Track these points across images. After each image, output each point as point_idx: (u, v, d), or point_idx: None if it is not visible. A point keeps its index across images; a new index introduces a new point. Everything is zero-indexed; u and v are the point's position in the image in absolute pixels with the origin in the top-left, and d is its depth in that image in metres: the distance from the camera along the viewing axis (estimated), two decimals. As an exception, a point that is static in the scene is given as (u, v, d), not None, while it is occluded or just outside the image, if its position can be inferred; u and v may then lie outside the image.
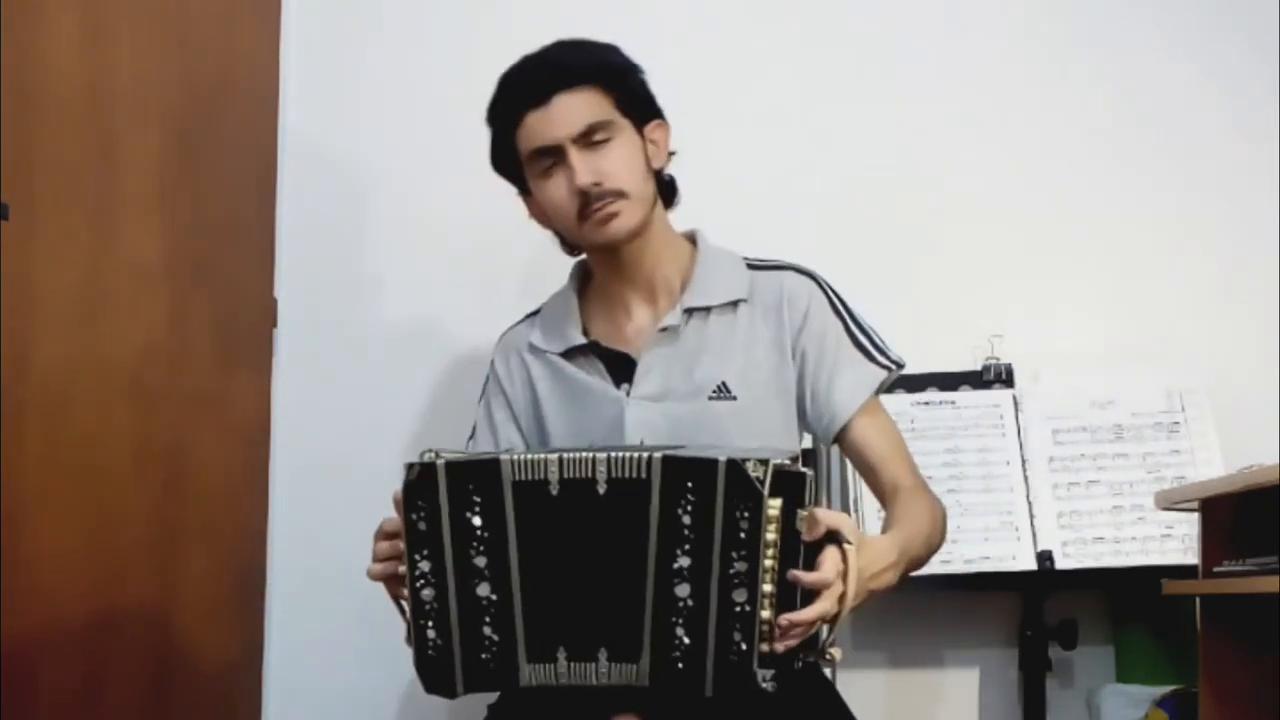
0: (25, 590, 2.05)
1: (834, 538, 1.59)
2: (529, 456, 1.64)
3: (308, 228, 2.66)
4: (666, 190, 1.98)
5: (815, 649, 1.62)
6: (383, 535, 1.71)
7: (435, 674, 1.65)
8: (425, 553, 1.64)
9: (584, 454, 1.63)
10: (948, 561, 2.26)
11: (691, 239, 2.01)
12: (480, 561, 1.63)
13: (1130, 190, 2.62)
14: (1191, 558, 2.14)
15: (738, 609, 1.55)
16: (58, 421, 2.16)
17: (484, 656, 1.64)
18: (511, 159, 1.92)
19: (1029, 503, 2.40)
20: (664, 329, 1.92)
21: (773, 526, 1.55)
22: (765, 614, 1.55)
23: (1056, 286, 2.60)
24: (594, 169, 1.86)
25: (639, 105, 1.92)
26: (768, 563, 1.55)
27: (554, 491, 1.63)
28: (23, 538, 2.06)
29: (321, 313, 2.65)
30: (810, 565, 1.57)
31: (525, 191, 1.96)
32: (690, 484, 1.58)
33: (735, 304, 1.93)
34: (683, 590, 1.58)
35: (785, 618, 1.55)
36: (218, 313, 2.49)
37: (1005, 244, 2.61)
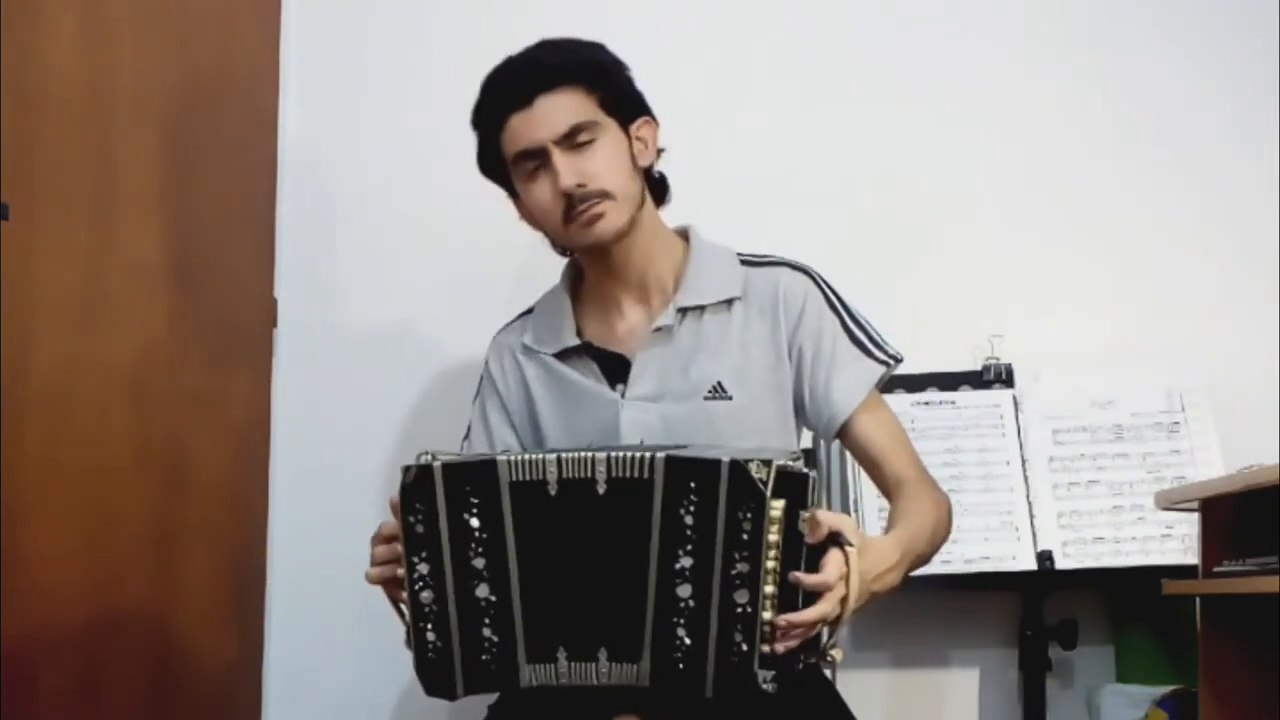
0: (25, 590, 2.05)
1: (836, 539, 1.58)
2: (526, 457, 1.64)
3: (308, 228, 2.66)
4: (657, 188, 1.96)
5: (816, 650, 1.62)
6: (380, 539, 1.71)
7: (435, 676, 1.65)
8: (423, 555, 1.63)
9: (583, 454, 1.63)
10: (948, 561, 2.26)
11: (684, 235, 2.00)
12: (479, 563, 1.63)
13: (1130, 190, 2.62)
14: (1191, 558, 2.14)
15: (739, 610, 1.55)
16: (58, 421, 2.16)
17: (484, 658, 1.64)
18: (497, 162, 1.91)
19: (1029, 503, 2.40)
20: (658, 329, 1.91)
21: (775, 528, 1.55)
22: (767, 615, 1.55)
23: (1056, 286, 2.60)
24: (578, 170, 1.85)
25: (624, 103, 1.90)
26: (769, 564, 1.55)
27: (553, 491, 1.63)
28: (23, 538, 2.06)
29: (321, 313, 2.65)
30: (812, 567, 1.57)
31: (514, 194, 1.95)
32: (693, 484, 1.57)
33: (729, 302, 1.92)
34: (684, 591, 1.58)
35: (786, 619, 1.55)
36: (218, 313, 2.49)
37: (1005, 244, 2.61)
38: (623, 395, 1.91)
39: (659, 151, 1.95)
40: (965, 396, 2.48)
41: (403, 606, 1.67)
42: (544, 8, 2.57)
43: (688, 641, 1.58)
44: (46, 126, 2.16)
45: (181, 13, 2.46)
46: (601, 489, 1.62)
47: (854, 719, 1.86)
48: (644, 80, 1.94)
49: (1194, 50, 2.63)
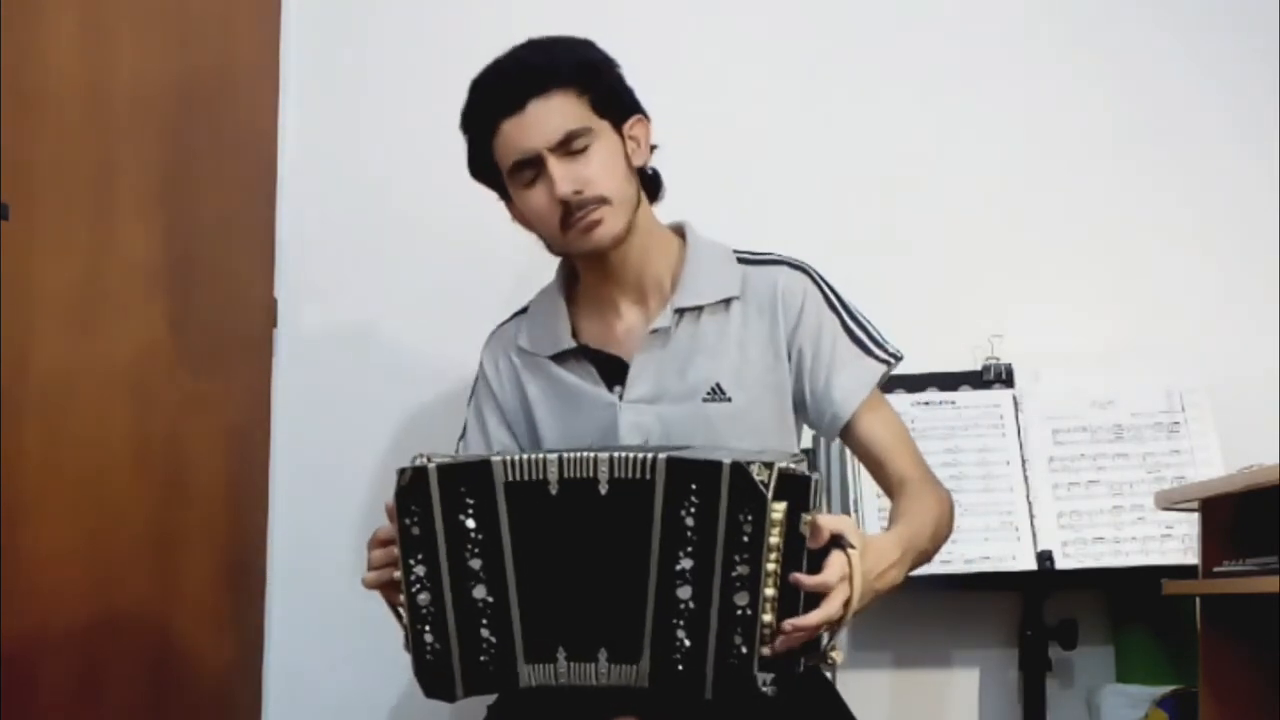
0: (25, 590, 2.05)
1: (837, 542, 1.58)
2: (523, 457, 1.64)
3: (308, 228, 2.66)
4: (650, 184, 1.94)
5: (817, 652, 1.62)
6: (377, 543, 1.70)
7: (434, 678, 1.65)
8: (420, 557, 1.63)
9: (585, 454, 1.62)
10: (948, 561, 2.26)
11: (680, 232, 1.98)
12: (475, 564, 1.63)
13: (1130, 190, 2.62)
14: (1191, 558, 2.14)
15: (739, 612, 1.55)
16: (58, 421, 2.16)
17: (482, 659, 1.64)
18: (490, 166, 1.89)
19: (1029, 503, 2.40)
20: (654, 331, 1.90)
21: (776, 530, 1.54)
22: (767, 618, 1.55)
23: (1056, 286, 2.60)
24: (574, 177, 1.83)
25: (616, 103, 1.88)
26: (770, 566, 1.54)
27: (553, 491, 1.63)
28: (23, 538, 2.06)
29: (321, 313, 2.65)
30: (814, 569, 1.57)
31: (506, 197, 1.93)
32: (694, 486, 1.57)
33: (727, 302, 1.91)
34: (684, 592, 1.58)
35: (789, 622, 1.55)
36: (218, 313, 2.49)
37: (1005, 244, 2.61)
38: (620, 397, 1.90)
39: (652, 148, 1.93)
40: (965, 396, 2.48)
41: (400, 610, 1.67)
42: (543, 7, 2.57)
43: (687, 643, 1.58)
44: (46, 126, 2.16)
45: (181, 13, 2.46)
46: (604, 489, 1.61)
47: (854, 719, 1.86)
48: (641, 78, 1.93)
49: (1194, 50, 2.63)
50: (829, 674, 1.86)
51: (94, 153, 2.25)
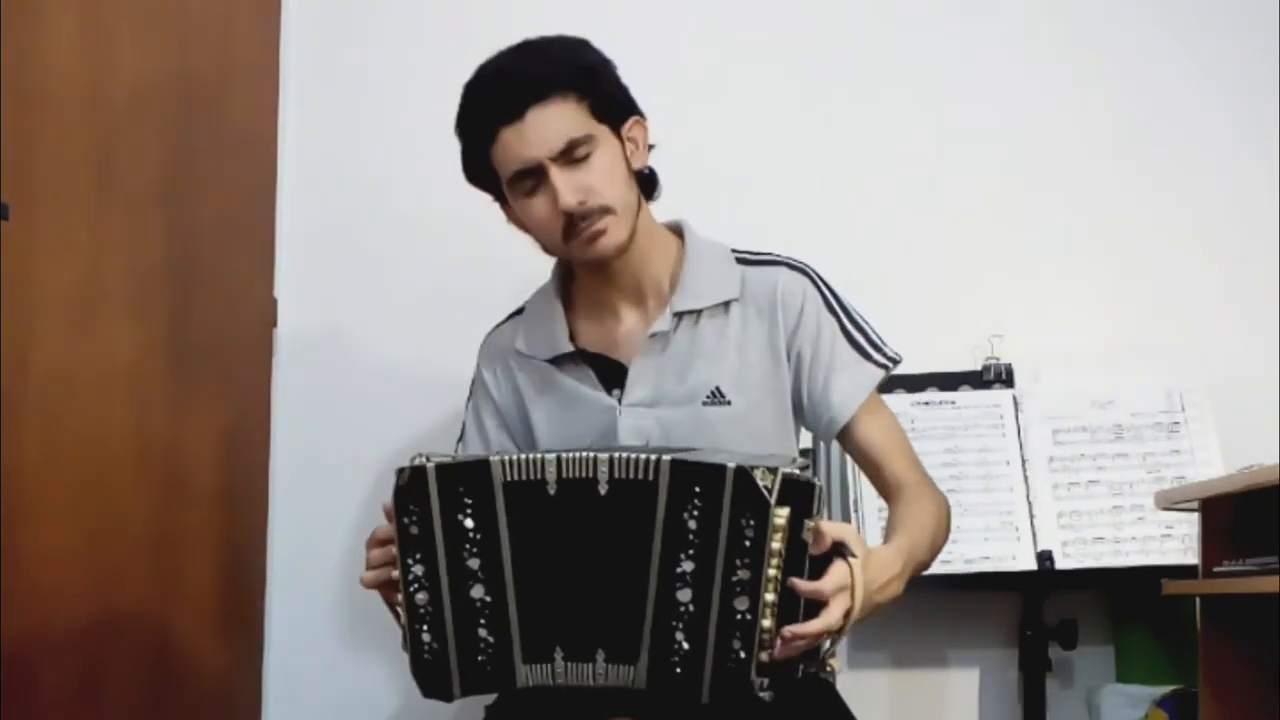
0: (25, 590, 2.04)
1: (840, 550, 1.58)
2: (522, 457, 1.63)
3: (308, 228, 2.66)
4: (647, 184, 1.92)
5: (815, 659, 1.61)
6: (375, 542, 1.70)
7: (431, 678, 1.65)
8: (418, 556, 1.63)
9: (584, 454, 1.62)
10: (948, 561, 2.26)
11: (678, 232, 1.96)
12: (474, 563, 1.63)
13: (1130, 190, 2.62)
14: (1191, 558, 2.14)
15: (739, 617, 1.55)
16: (58, 422, 2.15)
17: (480, 659, 1.63)
18: (487, 173, 1.87)
19: (1029, 503, 2.40)
20: (654, 335, 1.89)
21: (778, 536, 1.54)
22: (766, 623, 1.55)
23: (1056, 286, 2.60)
24: (577, 186, 1.81)
25: (615, 106, 1.86)
26: (771, 572, 1.54)
27: (551, 491, 1.62)
28: (23, 538, 2.06)
29: (321, 313, 2.65)
30: (815, 576, 1.57)
31: (501, 199, 1.91)
32: (697, 488, 1.57)
33: (727, 304, 1.90)
34: (684, 595, 1.57)
35: (789, 630, 1.55)
36: (218, 313, 2.49)
37: (1005, 244, 2.61)
38: (620, 401, 1.89)
39: (650, 148, 1.91)
40: (965, 396, 2.48)
41: (398, 609, 1.67)
42: (543, 6, 2.57)
43: (686, 646, 1.57)
44: (46, 126, 2.16)
45: (181, 13, 2.46)
46: (604, 489, 1.61)
47: (853, 719, 1.86)
48: (641, 77, 1.92)
49: (1194, 50, 2.63)
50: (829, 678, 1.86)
51: (94, 153, 2.25)
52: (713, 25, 2.68)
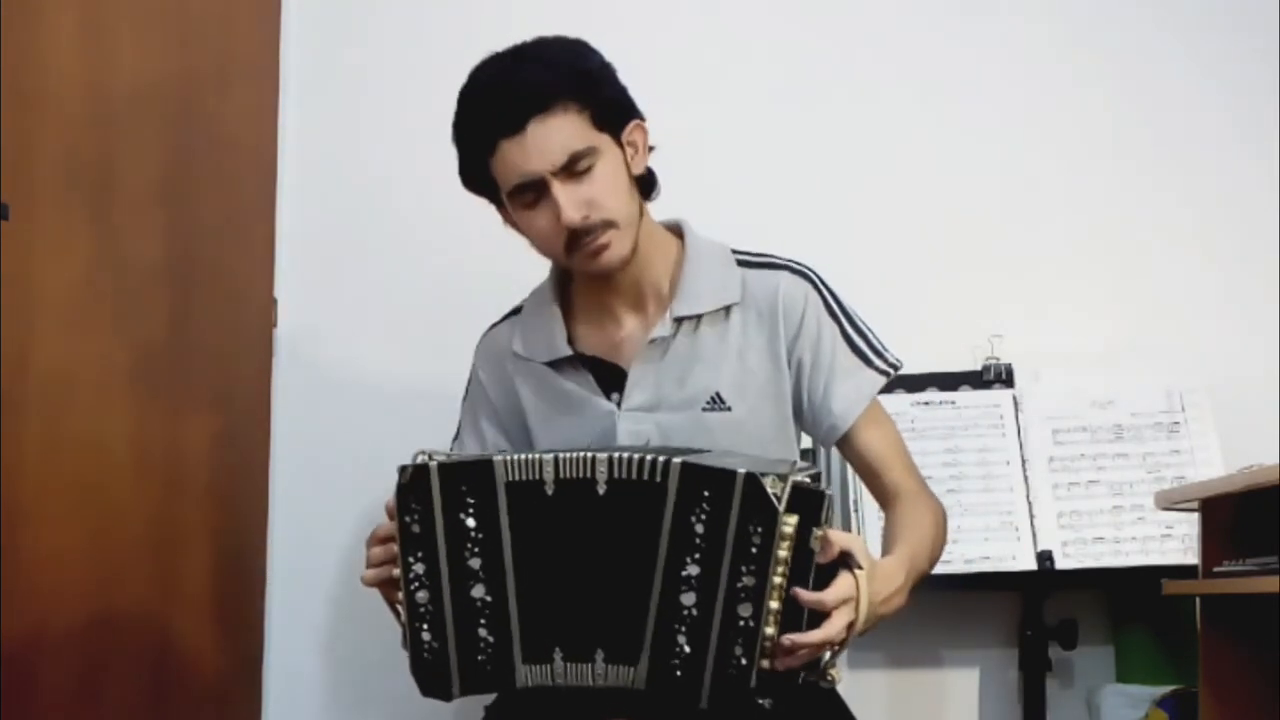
0: (25, 590, 2.05)
1: (846, 561, 1.58)
2: (523, 456, 1.63)
3: (308, 228, 2.66)
4: (646, 185, 1.89)
5: (816, 669, 1.60)
6: (376, 540, 1.70)
7: (431, 677, 1.65)
8: (419, 555, 1.63)
9: (582, 454, 1.62)
10: (948, 561, 2.25)
11: (677, 232, 1.95)
12: (475, 563, 1.62)
13: (1130, 190, 2.62)
14: (1191, 558, 2.14)
15: (742, 623, 1.55)
16: (58, 422, 2.16)
17: (479, 658, 1.63)
18: (486, 181, 1.84)
19: (1029, 503, 2.40)
20: (653, 340, 1.87)
21: (785, 544, 1.54)
22: (769, 630, 1.55)
23: (1056, 286, 2.60)
24: (579, 200, 1.77)
25: (615, 113, 1.82)
26: (777, 580, 1.54)
27: (549, 491, 1.62)
28: (23, 538, 2.06)
29: (321, 313, 2.65)
30: (820, 586, 1.57)
31: (498, 204, 1.88)
32: (706, 493, 1.56)
33: (727, 309, 1.88)
34: (688, 599, 1.57)
35: (790, 638, 1.55)
36: (218, 313, 2.49)
37: (1005, 244, 2.61)
38: (619, 405, 1.88)
39: (650, 149, 1.88)
40: (965, 396, 2.49)
41: (399, 607, 1.66)
42: (543, 6, 2.57)
43: (687, 650, 1.57)
44: (46, 126, 2.16)
45: (181, 12, 2.46)
46: (602, 489, 1.61)
47: (848, 712, 1.86)
48: (641, 78, 1.90)
49: (1194, 50, 2.64)
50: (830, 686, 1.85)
51: (94, 153, 2.25)
52: (712, 24, 2.68)
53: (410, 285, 2.64)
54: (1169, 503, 2.18)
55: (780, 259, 1.93)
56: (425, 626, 1.64)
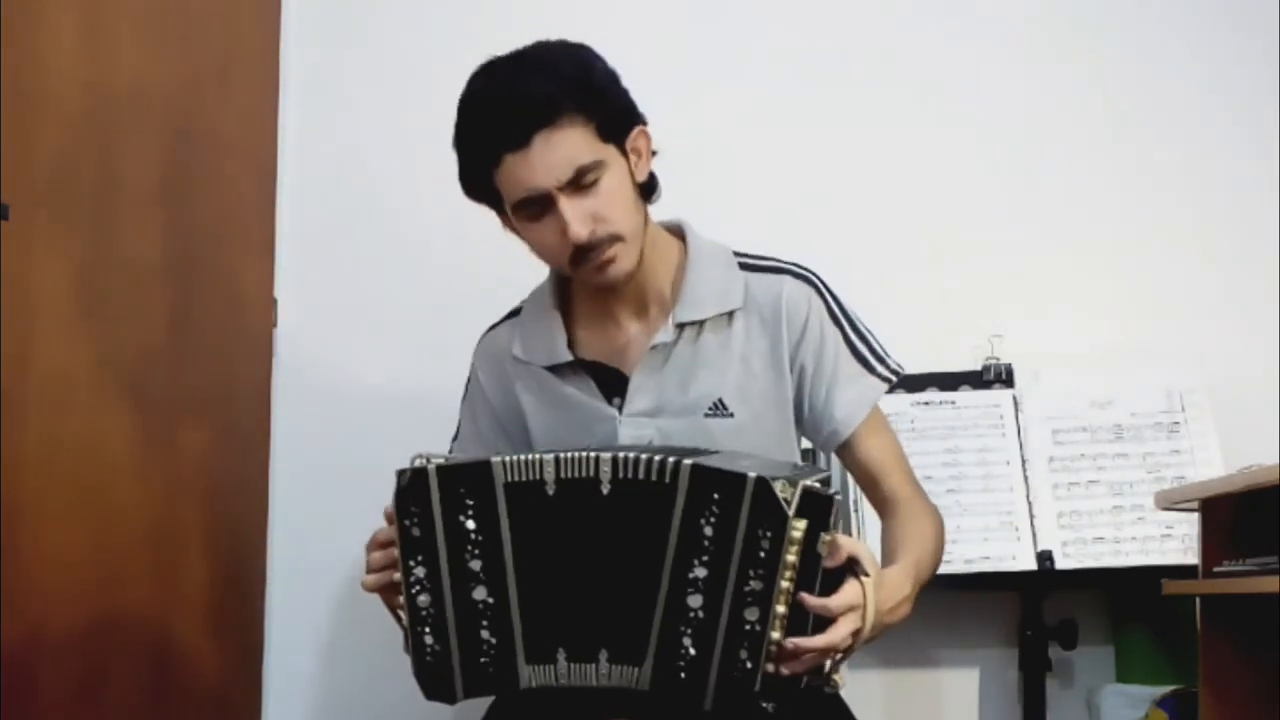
0: (25, 590, 2.04)
1: (853, 568, 1.58)
2: (522, 457, 1.63)
3: (308, 228, 2.66)
4: (647, 188, 1.87)
5: (820, 674, 1.61)
6: (376, 545, 1.69)
7: (434, 680, 1.65)
8: (420, 558, 1.63)
9: (584, 454, 1.61)
10: (948, 561, 2.24)
11: (678, 233, 1.93)
12: (475, 565, 1.62)
13: (1130, 190, 2.62)
14: (1191, 558, 2.14)
15: (748, 627, 1.55)
16: (58, 421, 2.15)
17: (482, 660, 1.63)
18: (489, 192, 1.82)
19: (1029, 503, 2.40)
20: (656, 346, 1.86)
21: (794, 549, 1.54)
22: (775, 634, 1.55)
23: (1056, 286, 2.60)
24: (586, 214, 1.75)
25: (619, 122, 1.80)
26: (784, 584, 1.54)
27: (550, 492, 1.62)
28: (23, 538, 2.06)
29: (321, 313, 2.65)
30: (826, 590, 1.57)
31: (499, 210, 1.86)
32: (716, 495, 1.56)
33: (730, 314, 1.87)
34: (695, 601, 1.57)
35: (794, 643, 1.55)
36: (218, 313, 2.49)
37: (1005, 244, 2.61)
38: (620, 410, 1.87)
39: (654, 154, 1.86)
40: (965, 396, 2.49)
41: (400, 613, 1.66)
42: (544, 6, 2.58)
43: (692, 652, 1.57)
44: (46, 126, 2.16)
45: (182, 12, 2.45)
46: (606, 489, 1.61)
47: (850, 715, 1.86)
48: (643, 81, 1.88)
49: (1194, 50, 2.64)
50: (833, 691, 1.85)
51: (94, 153, 2.25)
52: (712, 25, 2.68)
53: (411, 285, 2.64)
54: (1169, 503, 2.18)
55: (783, 262, 1.91)
56: (427, 630, 1.63)
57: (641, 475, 1.59)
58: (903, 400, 2.42)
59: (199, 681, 2.39)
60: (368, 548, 1.71)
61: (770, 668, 1.55)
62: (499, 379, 1.97)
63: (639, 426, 1.86)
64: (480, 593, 1.63)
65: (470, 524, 1.62)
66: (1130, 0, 2.66)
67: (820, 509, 1.55)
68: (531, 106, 1.73)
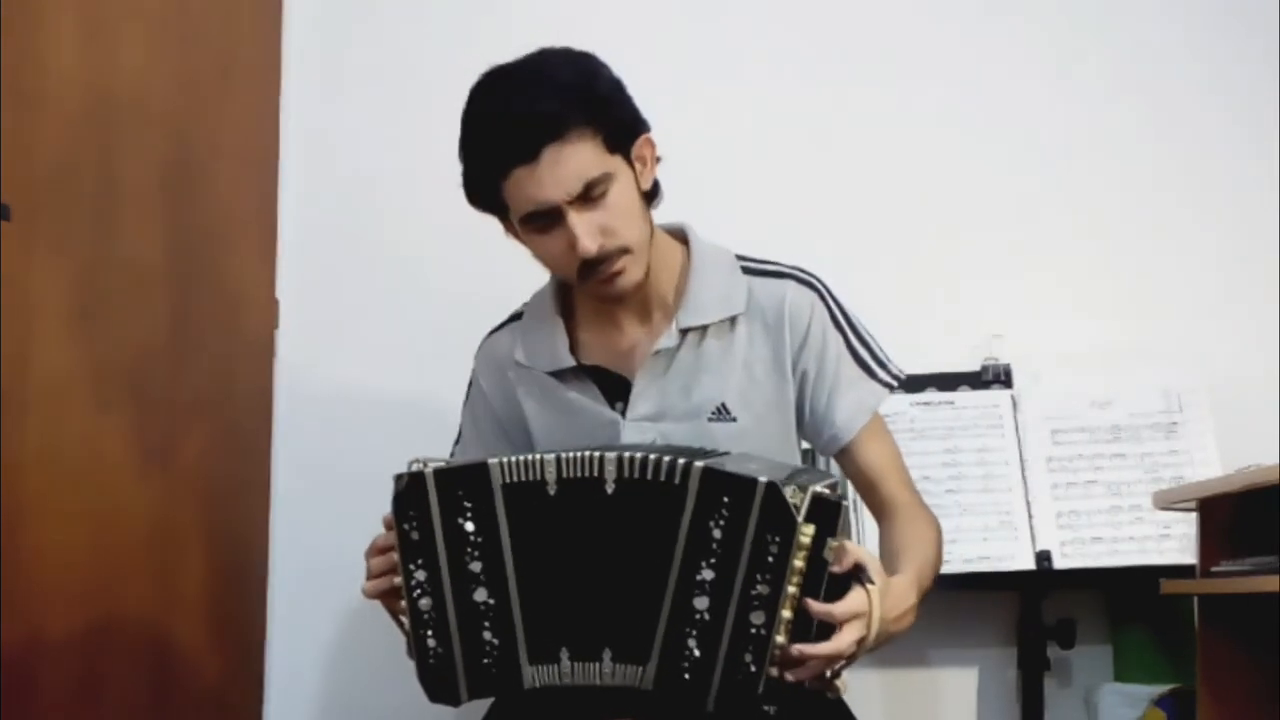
0: (25, 591, 2.05)
1: (859, 574, 1.58)
2: (521, 458, 1.63)
3: (308, 228, 2.66)
4: (649, 194, 1.85)
5: (822, 680, 1.61)
6: (375, 551, 1.69)
7: (438, 682, 1.65)
8: (420, 562, 1.63)
9: (586, 453, 1.61)
10: (947, 561, 2.24)
11: (681, 237, 1.93)
12: (475, 567, 1.62)
13: (1130, 190, 2.62)
14: (1189, 557, 2.14)
15: (753, 631, 1.55)
16: (58, 422, 2.16)
17: (485, 661, 1.63)
18: (495, 202, 1.80)
19: (1027, 503, 2.40)
20: (659, 351, 1.86)
21: (802, 554, 1.54)
22: (780, 639, 1.55)
23: (1056, 286, 2.60)
24: (595, 228, 1.74)
25: (625, 132, 1.79)
26: (791, 589, 1.54)
27: (551, 492, 1.62)
28: (23, 538, 2.06)
29: (321, 314, 2.65)
30: (832, 597, 1.57)
31: (503, 218, 1.84)
32: (726, 499, 1.56)
33: (733, 319, 1.87)
34: (701, 603, 1.57)
35: (799, 648, 1.55)
36: (218, 313, 2.49)
37: (1005, 244, 2.61)
38: (623, 415, 1.87)
39: (658, 160, 1.85)
40: (964, 397, 2.49)
41: (402, 618, 1.66)
42: (544, 7, 2.58)
43: (697, 653, 1.57)
44: (46, 126, 2.16)
45: (182, 12, 2.46)
46: (610, 489, 1.61)
47: (853, 718, 1.86)
48: (644, 84, 1.88)
49: (1195, 50, 2.64)
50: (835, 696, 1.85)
51: (94, 153, 2.25)
52: (712, 25, 2.68)
53: (412, 286, 2.64)
54: (1167, 503, 2.18)
55: (786, 267, 1.91)
56: (430, 633, 1.63)
57: (649, 476, 1.59)
58: (902, 400, 2.42)
59: (199, 682, 2.40)
60: (367, 555, 1.70)
61: (774, 672, 1.55)
62: (500, 384, 1.97)
63: (642, 431, 1.86)
64: (481, 594, 1.63)
65: (469, 526, 1.63)
66: (1130, 0, 2.66)
67: (828, 515, 1.55)
68: (540, 120, 1.72)
